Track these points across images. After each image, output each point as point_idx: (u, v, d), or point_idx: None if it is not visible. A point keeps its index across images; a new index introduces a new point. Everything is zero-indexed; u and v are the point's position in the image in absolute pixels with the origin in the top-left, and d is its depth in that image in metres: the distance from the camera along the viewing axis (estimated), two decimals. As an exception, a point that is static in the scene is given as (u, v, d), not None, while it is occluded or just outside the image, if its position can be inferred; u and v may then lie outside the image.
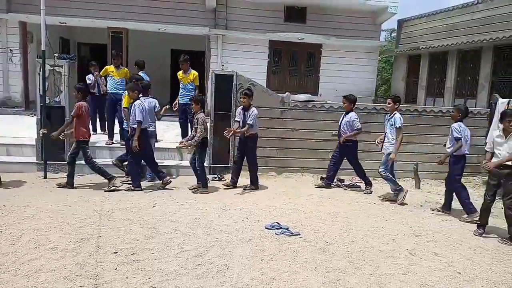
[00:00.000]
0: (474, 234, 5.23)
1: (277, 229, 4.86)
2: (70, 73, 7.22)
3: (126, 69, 8.18)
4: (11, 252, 3.92)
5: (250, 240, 4.52)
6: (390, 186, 6.58)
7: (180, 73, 7.90)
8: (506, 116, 5.06)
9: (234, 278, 3.61)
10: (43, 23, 6.79)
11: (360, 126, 6.74)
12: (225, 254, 4.11)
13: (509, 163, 5.00)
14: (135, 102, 6.34)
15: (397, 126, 6.28)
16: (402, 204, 6.37)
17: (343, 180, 7.51)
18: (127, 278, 3.51)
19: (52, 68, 7.03)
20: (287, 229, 4.85)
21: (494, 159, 5.19)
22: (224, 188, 6.83)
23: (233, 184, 6.86)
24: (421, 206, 6.49)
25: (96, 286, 3.35)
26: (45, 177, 6.86)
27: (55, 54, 7.28)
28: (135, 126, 6.28)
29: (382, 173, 6.45)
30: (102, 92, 8.42)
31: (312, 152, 7.79)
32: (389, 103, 6.50)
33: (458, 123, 5.90)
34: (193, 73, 7.82)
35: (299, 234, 4.76)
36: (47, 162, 6.98)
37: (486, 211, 5.26)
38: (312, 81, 13.62)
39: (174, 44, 14.97)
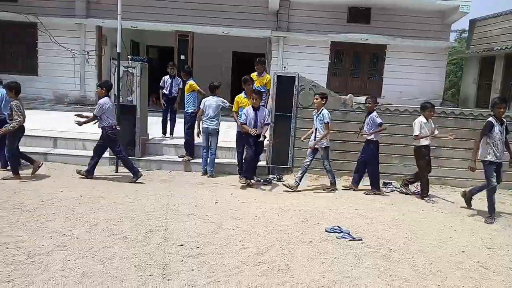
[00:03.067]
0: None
1: (338, 233, 4.79)
2: (143, 74, 7.66)
3: (190, 82, 8.11)
4: (88, 239, 4.25)
5: (311, 242, 4.51)
6: (329, 177, 6.93)
7: (254, 75, 7.87)
8: (426, 109, 6.57)
9: (295, 279, 3.63)
10: (119, 27, 7.26)
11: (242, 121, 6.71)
12: (286, 254, 4.14)
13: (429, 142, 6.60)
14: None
15: (326, 122, 6.62)
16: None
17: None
18: (192, 270, 3.67)
19: (126, 69, 7.50)
20: (348, 233, 4.78)
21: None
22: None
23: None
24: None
25: (164, 276, 3.54)
26: (116, 171, 7.33)
27: (128, 56, 7.77)
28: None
29: (326, 166, 6.83)
30: (174, 94, 8.80)
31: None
32: (316, 99, 6.78)
33: (375, 112, 6.69)
34: (267, 77, 7.77)
35: (361, 240, 4.66)
36: (119, 157, 7.44)
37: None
38: (374, 83, 13.25)
39: (235, 47, 15.33)
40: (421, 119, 6.59)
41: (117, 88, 7.39)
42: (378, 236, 4.85)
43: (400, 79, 12.90)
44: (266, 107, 7.37)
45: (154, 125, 8.79)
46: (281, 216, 5.37)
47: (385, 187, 7.26)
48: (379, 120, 6.60)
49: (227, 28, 12.43)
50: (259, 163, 7.64)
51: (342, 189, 6.99)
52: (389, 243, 4.66)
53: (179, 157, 8.01)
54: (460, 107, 13.05)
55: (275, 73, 7.90)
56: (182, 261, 3.84)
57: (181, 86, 8.87)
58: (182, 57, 12.48)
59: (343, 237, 4.67)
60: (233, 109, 7.28)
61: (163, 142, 8.37)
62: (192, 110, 7.85)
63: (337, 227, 4.93)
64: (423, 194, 6.68)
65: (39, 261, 3.68)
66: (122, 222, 4.79)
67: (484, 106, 13.17)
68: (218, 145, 7.51)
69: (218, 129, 7.38)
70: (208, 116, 7.22)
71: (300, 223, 5.13)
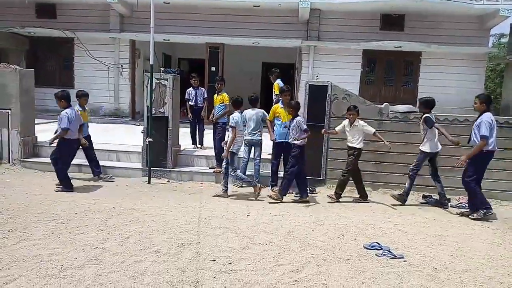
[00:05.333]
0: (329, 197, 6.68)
1: (377, 249, 4.53)
2: (175, 86, 7.69)
3: (225, 94, 8.09)
4: (120, 252, 4.19)
5: (348, 259, 4.27)
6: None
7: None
8: (348, 110, 6.68)
9: (333, 299, 3.42)
10: (152, 41, 7.32)
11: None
12: (322, 272, 3.92)
13: (351, 144, 6.67)
14: None
15: (230, 125, 6.57)
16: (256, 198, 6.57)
17: (449, 200, 6.83)
18: (225, 287, 3.52)
19: (158, 81, 7.55)
20: (388, 250, 4.50)
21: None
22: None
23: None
24: (547, 234, 5.60)
25: (196, 293, 3.41)
26: (149, 182, 7.34)
27: (161, 68, 7.82)
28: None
29: (231, 173, 6.68)
30: (199, 105, 8.83)
31: (412, 168, 7.23)
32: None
33: (300, 117, 6.64)
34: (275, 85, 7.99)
35: (403, 257, 4.38)
36: (151, 168, 7.46)
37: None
38: (409, 91, 12.82)
39: (265, 57, 15.32)
40: (345, 120, 6.82)
41: (149, 100, 7.44)
42: (421, 254, 4.54)
43: (437, 87, 12.41)
44: None
45: (184, 136, 8.81)
46: (316, 230, 5.15)
47: (425, 200, 6.89)
48: (304, 126, 6.48)
49: (257, 38, 12.41)
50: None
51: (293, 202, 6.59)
52: (434, 261, 4.36)
53: (210, 168, 7.95)
54: (502, 115, 12.39)
55: (307, 82, 7.75)
56: (214, 277, 3.70)
57: (205, 96, 8.91)
58: (213, 68, 12.55)
59: (384, 255, 4.40)
60: (268, 118, 7.19)
61: (195, 153, 8.34)
62: (224, 121, 7.83)
63: (376, 243, 4.67)
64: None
65: (71, 275, 3.64)
66: (154, 235, 4.73)
67: (528, 113, 12.46)
68: (249, 157, 7.40)
69: (261, 140, 7.31)
70: (251, 128, 7.16)
71: (336, 238, 4.89)
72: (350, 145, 6.69)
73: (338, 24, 12.63)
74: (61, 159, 6.69)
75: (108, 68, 13.06)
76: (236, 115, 6.67)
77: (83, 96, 7.49)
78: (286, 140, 7.05)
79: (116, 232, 4.76)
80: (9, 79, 7.97)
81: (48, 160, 8.03)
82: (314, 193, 7.19)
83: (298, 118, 6.56)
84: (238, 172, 6.72)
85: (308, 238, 4.84)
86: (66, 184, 6.64)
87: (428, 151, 6.48)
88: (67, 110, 6.65)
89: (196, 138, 8.94)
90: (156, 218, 5.31)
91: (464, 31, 12.43)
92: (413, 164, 6.57)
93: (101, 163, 8.02)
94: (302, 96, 9.82)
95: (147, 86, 7.49)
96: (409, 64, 12.88)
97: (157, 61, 7.92)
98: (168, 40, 12.68)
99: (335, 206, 6.45)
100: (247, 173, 7.42)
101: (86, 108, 7.61)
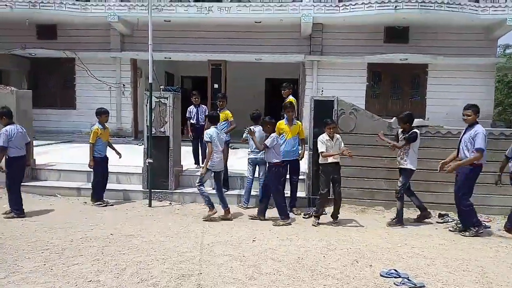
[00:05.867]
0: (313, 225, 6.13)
1: (395, 277, 4.16)
2: (175, 104, 7.45)
3: (227, 111, 7.78)
4: (115, 286, 3.87)
5: (365, 290, 3.91)
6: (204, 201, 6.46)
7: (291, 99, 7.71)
8: (326, 125, 6.21)
9: None
10: (151, 58, 7.14)
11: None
12: (337, 306, 3.57)
13: (336, 160, 6.20)
14: None
15: (205, 140, 6.39)
16: (207, 220, 6.21)
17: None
18: (230, 327, 3.18)
19: (158, 99, 7.32)
20: (407, 278, 4.13)
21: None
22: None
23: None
24: None
25: (197, 334, 3.06)
26: (150, 205, 7.01)
27: (160, 87, 7.60)
28: None
29: (197, 186, 6.46)
30: (201, 123, 8.56)
31: (427, 185, 6.86)
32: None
33: (275, 133, 6.38)
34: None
35: (424, 286, 4.01)
36: (152, 190, 7.15)
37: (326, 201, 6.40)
38: (417, 104, 12.54)
39: (268, 73, 15.16)
40: (324, 136, 6.27)
41: (149, 119, 7.19)
42: (443, 281, 4.17)
43: (445, 99, 12.14)
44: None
45: (186, 155, 8.54)
46: (327, 256, 4.79)
47: (442, 219, 6.51)
48: (267, 143, 6.17)
49: (259, 54, 12.25)
50: (298, 194, 7.12)
51: (249, 219, 6.42)
52: (458, 290, 3.98)
53: (213, 188, 7.62)
54: (513, 127, 12.06)
55: (312, 98, 7.46)
56: (217, 315, 3.36)
57: (207, 114, 8.64)
58: (216, 85, 12.37)
59: (403, 283, 4.03)
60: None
61: (197, 173, 8.00)
62: (228, 139, 7.55)
63: (393, 270, 4.29)
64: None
65: (60, 315, 3.32)
66: (152, 265, 4.39)
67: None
68: (254, 176, 7.07)
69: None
70: (253, 147, 6.82)
71: (349, 265, 4.53)
72: (336, 160, 6.23)
73: (341, 38, 12.47)
74: (13, 180, 6.30)
75: (110, 87, 12.92)
76: (211, 130, 6.41)
77: (103, 114, 7.11)
78: (292, 158, 6.75)
79: (112, 263, 4.43)
80: (5, 101, 7.73)
81: (47, 184, 7.85)
82: (324, 214, 6.82)
83: (274, 134, 6.33)
84: (204, 188, 6.41)
85: (319, 266, 4.48)
86: (18, 209, 6.26)
87: (414, 168, 6.14)
88: (7, 127, 6.28)
89: (199, 157, 8.64)
90: (156, 246, 4.98)
91: (471, 41, 12.23)
92: (399, 185, 6.18)
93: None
94: (307, 112, 9.58)
95: (146, 105, 7.26)
96: (416, 77, 12.67)
97: (157, 80, 7.68)
98: (170, 58, 12.55)
99: (346, 228, 6.08)
100: (252, 193, 7.12)
101: (107, 126, 7.27)
